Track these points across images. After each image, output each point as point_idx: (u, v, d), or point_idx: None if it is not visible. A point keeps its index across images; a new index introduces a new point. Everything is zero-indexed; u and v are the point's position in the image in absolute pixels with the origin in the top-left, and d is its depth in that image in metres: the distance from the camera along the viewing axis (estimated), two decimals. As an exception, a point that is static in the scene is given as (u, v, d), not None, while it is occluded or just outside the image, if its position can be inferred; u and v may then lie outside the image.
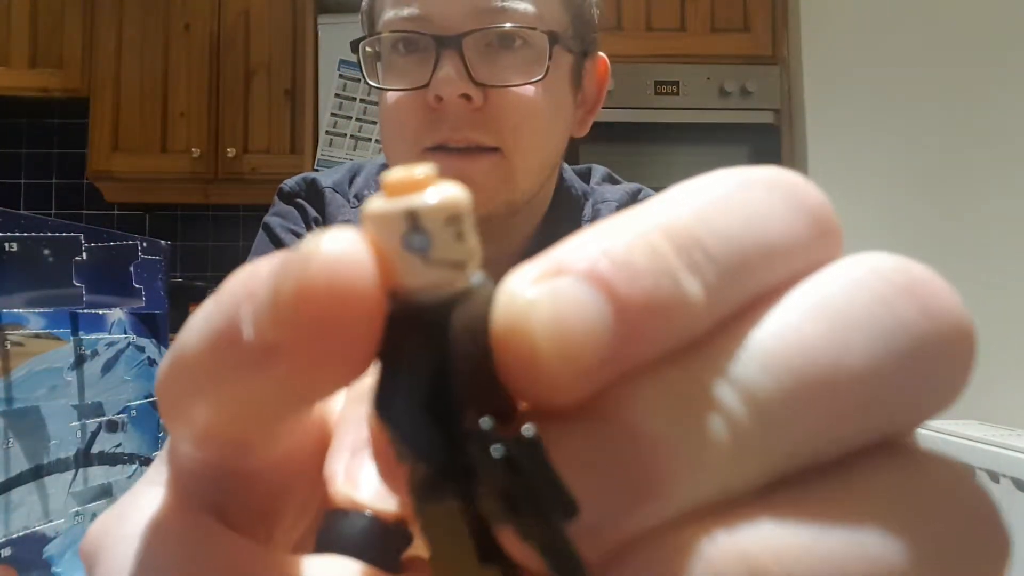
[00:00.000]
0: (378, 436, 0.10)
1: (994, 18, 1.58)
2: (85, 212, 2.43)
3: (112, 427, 0.53)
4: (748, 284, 0.10)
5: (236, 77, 2.21)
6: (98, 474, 0.51)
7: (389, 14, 0.53)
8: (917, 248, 1.65)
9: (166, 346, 0.60)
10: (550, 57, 0.52)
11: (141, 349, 0.56)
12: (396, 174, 0.09)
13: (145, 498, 0.13)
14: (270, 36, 2.23)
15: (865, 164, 1.66)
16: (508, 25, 0.51)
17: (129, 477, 0.55)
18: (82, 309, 0.50)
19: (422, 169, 0.09)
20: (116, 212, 2.45)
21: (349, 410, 0.13)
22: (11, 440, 0.43)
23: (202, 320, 0.10)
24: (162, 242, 0.59)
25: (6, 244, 0.44)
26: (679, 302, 0.09)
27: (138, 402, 0.56)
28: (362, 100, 2.20)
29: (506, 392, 0.09)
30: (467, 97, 0.50)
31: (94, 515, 0.51)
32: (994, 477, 1.25)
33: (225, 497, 0.12)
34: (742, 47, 2.01)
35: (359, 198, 0.65)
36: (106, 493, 0.52)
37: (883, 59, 1.80)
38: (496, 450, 0.08)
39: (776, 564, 0.09)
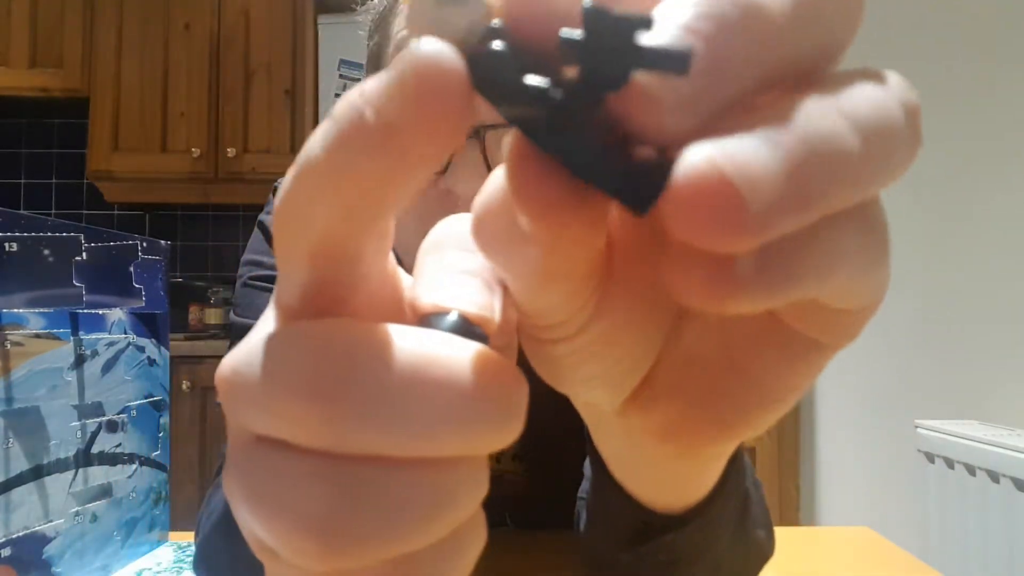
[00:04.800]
0: (516, 145, 0.13)
1: (995, 18, 1.58)
2: (85, 212, 2.43)
3: (112, 427, 0.53)
4: None
5: (236, 77, 2.21)
6: (98, 474, 0.51)
7: None
8: (917, 248, 1.64)
9: (166, 346, 0.60)
10: None
11: (141, 349, 0.56)
12: None
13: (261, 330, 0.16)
14: (270, 36, 2.22)
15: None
16: None
17: (129, 477, 0.55)
18: (82, 309, 0.50)
19: None
20: (116, 212, 2.45)
21: (422, 259, 0.17)
22: (11, 440, 0.43)
23: (323, 131, 0.13)
24: (162, 242, 0.59)
25: (6, 244, 0.44)
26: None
27: (138, 402, 0.56)
28: (362, 100, 2.20)
29: None
30: None
31: (94, 515, 0.51)
32: (994, 477, 1.25)
33: None
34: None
35: None
36: (106, 493, 0.52)
37: (883, 60, 1.80)
38: (573, 32, 0.12)
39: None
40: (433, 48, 0.12)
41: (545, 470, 0.50)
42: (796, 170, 0.11)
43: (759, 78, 0.12)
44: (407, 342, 0.13)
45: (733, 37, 0.12)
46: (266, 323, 0.16)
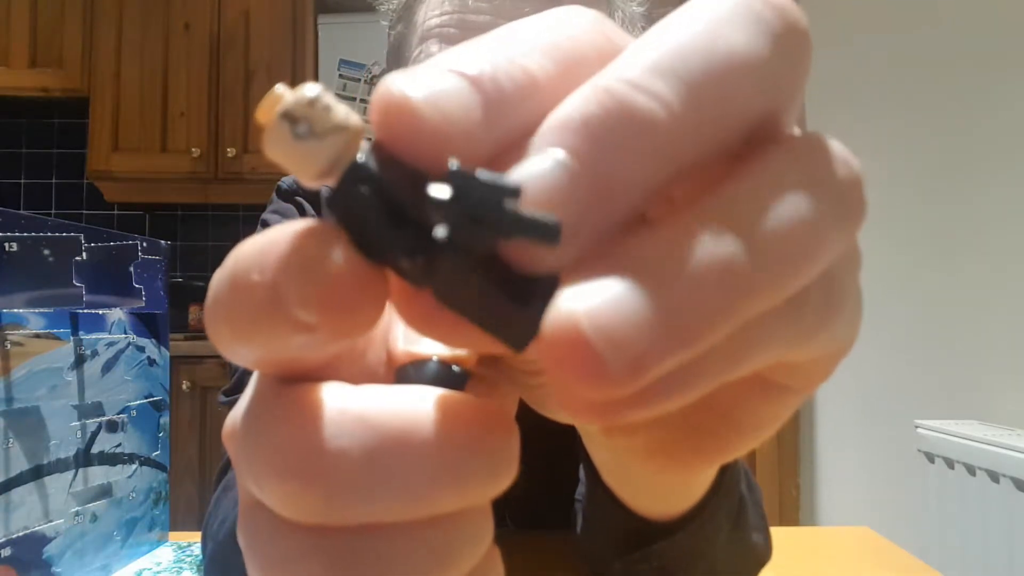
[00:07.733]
0: (396, 287, 0.12)
1: (996, 19, 1.58)
2: (85, 212, 2.43)
3: (112, 427, 0.53)
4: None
5: (236, 77, 2.21)
6: (98, 474, 0.51)
7: None
8: (917, 248, 1.63)
9: (166, 346, 0.60)
10: None
11: (141, 349, 0.56)
12: (260, 105, 0.12)
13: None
14: (270, 36, 2.22)
15: (864, 164, 1.65)
16: None
17: (129, 477, 0.55)
18: (82, 309, 0.50)
19: (278, 87, 0.12)
20: (116, 212, 2.45)
21: None
22: (11, 440, 0.43)
23: (241, 291, 0.12)
24: (162, 242, 0.59)
25: (6, 244, 0.44)
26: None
27: (138, 402, 0.56)
28: (362, 100, 2.20)
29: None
30: None
31: (94, 515, 0.51)
32: (994, 477, 1.25)
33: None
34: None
35: None
36: (106, 493, 0.52)
37: (883, 59, 1.80)
38: (442, 190, 0.11)
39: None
40: (337, 269, 0.12)
41: (545, 470, 0.50)
42: (673, 315, 0.10)
43: (660, 183, 0.12)
44: (385, 405, 0.13)
45: (613, 156, 0.11)
46: (255, 380, 0.16)
